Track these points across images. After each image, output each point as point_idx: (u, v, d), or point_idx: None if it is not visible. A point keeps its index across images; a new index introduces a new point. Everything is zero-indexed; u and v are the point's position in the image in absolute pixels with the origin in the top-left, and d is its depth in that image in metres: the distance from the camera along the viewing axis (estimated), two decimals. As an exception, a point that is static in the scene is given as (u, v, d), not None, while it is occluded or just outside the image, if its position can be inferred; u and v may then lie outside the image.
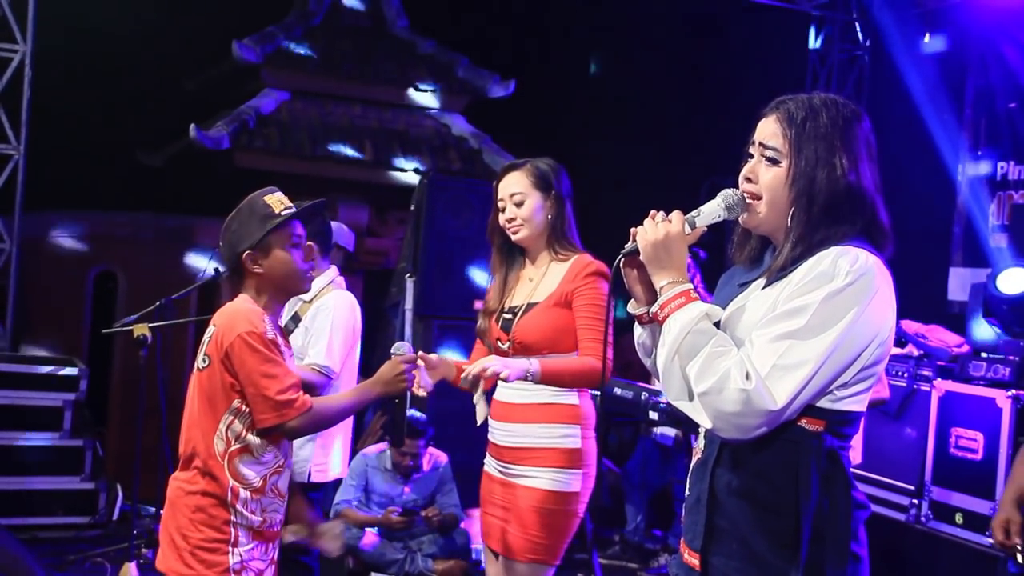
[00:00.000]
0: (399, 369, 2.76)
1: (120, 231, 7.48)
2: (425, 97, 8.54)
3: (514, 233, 3.26)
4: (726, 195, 2.10)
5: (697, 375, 1.90)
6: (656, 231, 2.03)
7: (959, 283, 7.39)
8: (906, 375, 5.75)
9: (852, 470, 2.02)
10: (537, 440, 3.15)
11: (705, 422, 1.91)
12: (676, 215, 2.07)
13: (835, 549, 1.90)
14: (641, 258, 2.06)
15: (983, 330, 5.64)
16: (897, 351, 6.07)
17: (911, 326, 6.14)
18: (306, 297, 3.98)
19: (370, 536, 5.26)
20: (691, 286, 2.01)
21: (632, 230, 2.09)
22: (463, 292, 6.04)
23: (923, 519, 5.48)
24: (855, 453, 5.30)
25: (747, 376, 1.86)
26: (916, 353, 5.98)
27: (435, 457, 5.46)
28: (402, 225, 7.59)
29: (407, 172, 7.96)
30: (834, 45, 8.98)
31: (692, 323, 1.95)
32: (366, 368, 6.00)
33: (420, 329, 6.00)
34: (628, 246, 2.10)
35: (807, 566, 1.88)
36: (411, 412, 5.65)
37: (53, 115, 7.00)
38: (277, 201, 2.75)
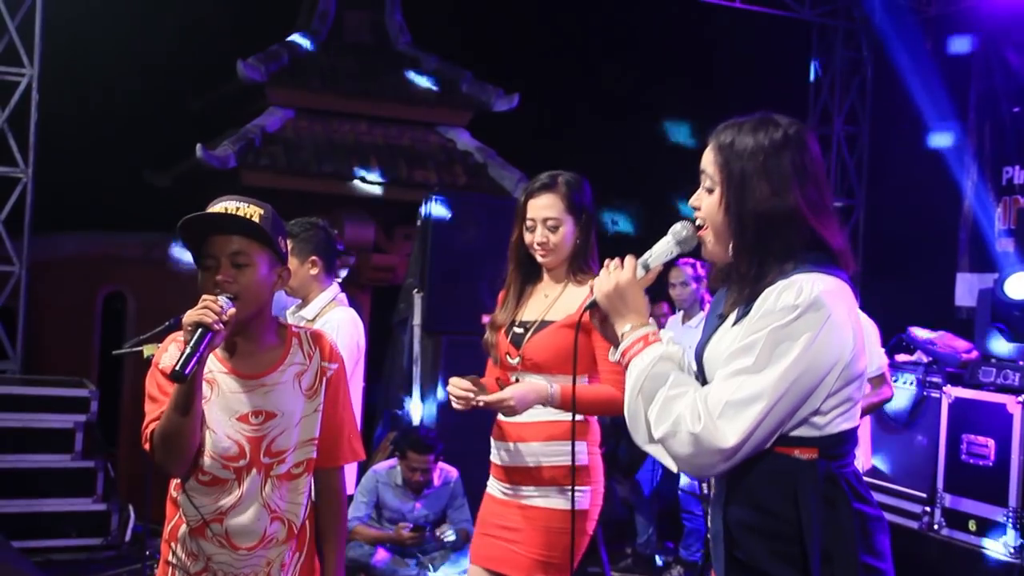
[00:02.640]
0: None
1: (128, 252, 7.51)
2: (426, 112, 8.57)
3: (543, 256, 3.21)
4: (675, 231, 2.14)
5: (655, 420, 1.94)
6: (608, 282, 2.09)
7: (966, 288, 7.38)
8: (916, 382, 5.74)
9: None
10: (545, 459, 3.10)
11: (671, 464, 1.96)
12: (628, 261, 2.11)
13: (844, 567, 1.91)
14: (602, 309, 2.12)
15: (1000, 344, 5.60)
16: (906, 358, 6.06)
17: (920, 332, 6.13)
18: (309, 315, 3.99)
19: (382, 553, 5.26)
20: (651, 329, 2.05)
21: (590, 283, 2.14)
22: (471, 307, 6.02)
23: (936, 526, 5.46)
24: (860, 459, 5.28)
25: (699, 417, 1.88)
26: (925, 360, 5.97)
27: (446, 472, 5.45)
28: (409, 241, 7.60)
29: (413, 188, 7.98)
30: (836, 52, 9.00)
31: (648, 367, 1.98)
32: (372, 384, 6.01)
33: (429, 345, 6.00)
34: (588, 299, 2.15)
35: None
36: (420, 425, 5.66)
37: (60, 138, 7.05)
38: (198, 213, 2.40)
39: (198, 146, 7.34)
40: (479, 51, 9.00)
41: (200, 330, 2.21)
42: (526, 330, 3.19)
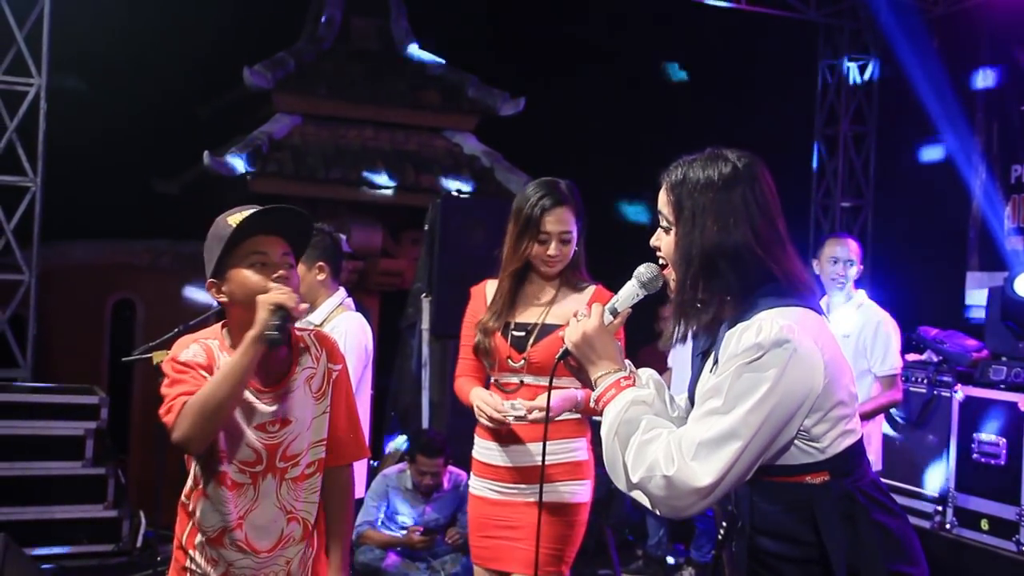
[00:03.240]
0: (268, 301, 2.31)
1: (137, 259, 7.54)
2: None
3: (550, 267, 3.24)
4: (639, 274, 2.15)
5: (631, 465, 1.95)
6: (576, 331, 2.11)
7: (976, 287, 7.36)
8: (926, 381, 5.73)
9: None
10: (549, 457, 3.13)
11: (650, 507, 1.96)
12: (595, 309, 2.13)
13: (871, 573, 1.92)
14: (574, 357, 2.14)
15: (1010, 343, 5.58)
16: (916, 357, 6.04)
17: (930, 332, 6.11)
18: (316, 320, 4.00)
19: (393, 557, 5.26)
20: (623, 374, 2.06)
21: (559, 335, 2.17)
22: (479, 310, 6.04)
23: (948, 526, 5.44)
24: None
25: (672, 460, 1.89)
26: (935, 359, 5.95)
27: (455, 476, 5.45)
28: (416, 245, 7.62)
29: (420, 193, 7.99)
30: (843, 53, 8.99)
31: (621, 412, 1.99)
32: (381, 389, 6.02)
33: (437, 348, 6.01)
34: (560, 349, 2.17)
35: None
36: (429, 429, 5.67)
37: (69, 147, 7.07)
38: (239, 218, 2.37)
39: (205, 153, 7.36)
40: (485, 56, 9.01)
41: (282, 311, 2.31)
42: (527, 333, 3.22)
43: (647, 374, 2.18)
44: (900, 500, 5.63)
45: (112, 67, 8.10)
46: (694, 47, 9.44)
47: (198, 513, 2.45)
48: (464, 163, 8.46)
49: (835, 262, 4.71)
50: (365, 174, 8.00)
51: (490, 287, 3.40)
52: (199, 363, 2.39)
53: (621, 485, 2.00)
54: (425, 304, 5.99)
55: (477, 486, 3.33)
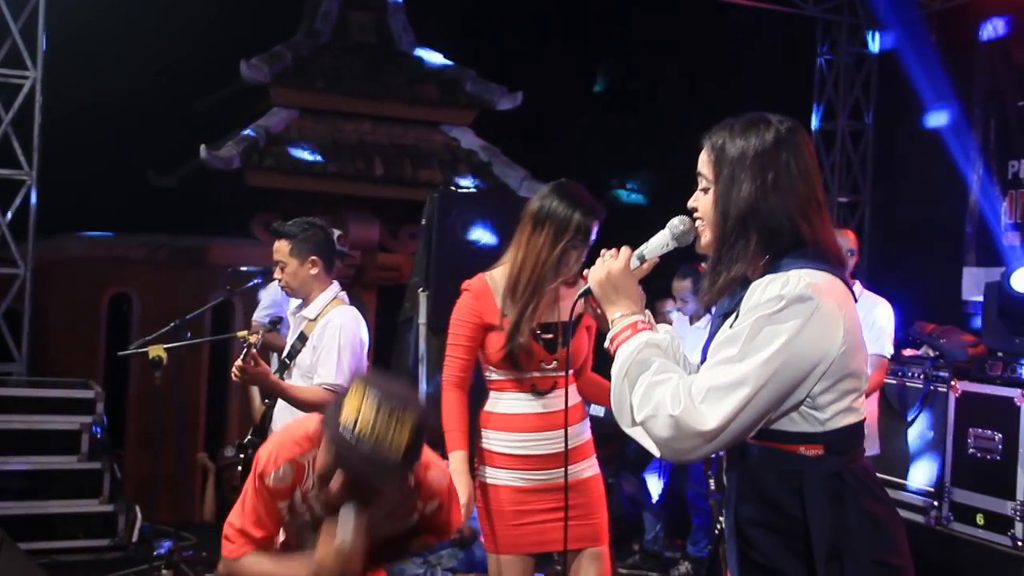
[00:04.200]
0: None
1: (134, 253, 7.51)
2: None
3: (574, 270, 3.36)
4: (672, 225, 2.16)
5: (638, 404, 1.96)
6: (601, 270, 2.13)
7: (973, 282, 7.35)
8: (922, 376, 5.73)
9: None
10: (580, 438, 3.41)
11: (653, 448, 1.96)
12: (623, 251, 2.15)
13: (854, 561, 1.91)
14: (595, 296, 2.16)
15: (1006, 338, 5.60)
16: (913, 352, 6.05)
17: (926, 327, 6.12)
18: (311, 315, 4.00)
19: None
20: (640, 317, 2.08)
21: (584, 272, 2.21)
22: (476, 305, 6.03)
23: (944, 521, 5.45)
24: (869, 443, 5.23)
25: (679, 401, 1.89)
26: (932, 354, 5.96)
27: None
28: (414, 240, 7.60)
29: (418, 187, 7.98)
30: (841, 48, 8.98)
31: (634, 353, 2.01)
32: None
33: (434, 343, 6.00)
34: (583, 287, 2.20)
35: None
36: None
37: (64, 140, 7.04)
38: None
39: (202, 147, 7.34)
40: (482, 50, 8.99)
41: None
42: (554, 335, 3.34)
43: (665, 328, 2.19)
44: (895, 494, 5.67)
45: (108, 60, 8.07)
46: (692, 41, 9.42)
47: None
48: (462, 157, 8.45)
49: None
50: (362, 168, 7.97)
51: (493, 284, 3.43)
52: (281, 489, 2.41)
53: (625, 424, 2.01)
54: (422, 298, 5.98)
55: (503, 477, 3.36)
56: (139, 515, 6.19)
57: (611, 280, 2.11)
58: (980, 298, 6.11)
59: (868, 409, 4.81)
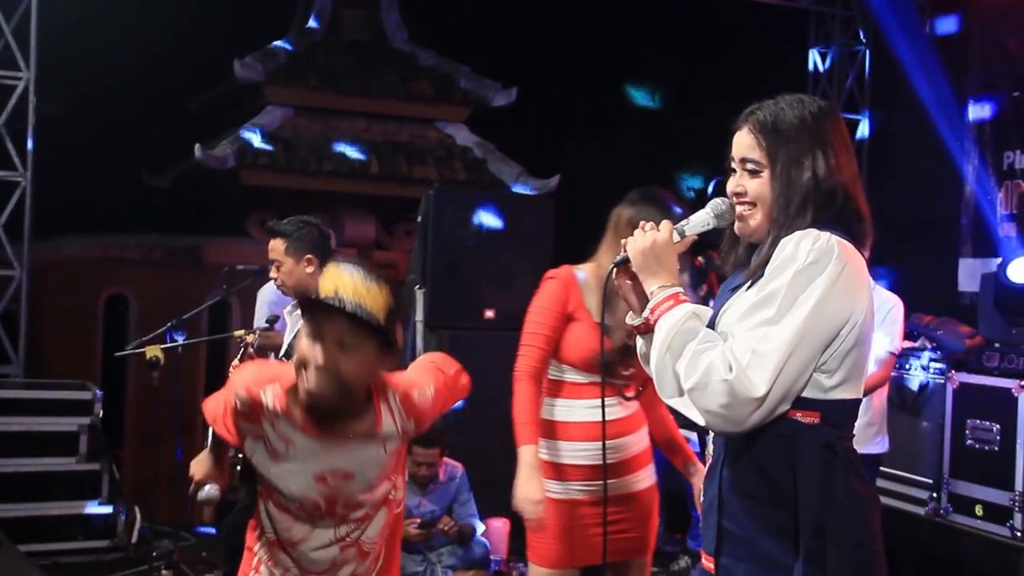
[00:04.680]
0: None
1: (129, 253, 7.50)
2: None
3: None
4: (715, 204, 2.15)
5: (685, 372, 1.93)
6: (644, 239, 2.10)
7: (969, 274, 7.36)
8: (920, 368, 5.74)
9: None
10: (641, 445, 3.40)
11: (697, 418, 1.94)
12: (665, 224, 2.14)
13: (837, 541, 1.90)
14: (632, 267, 2.12)
15: (1003, 329, 5.61)
16: (910, 344, 6.05)
17: (923, 318, 6.12)
18: (305, 312, 3.99)
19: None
20: (680, 289, 2.06)
21: (623, 241, 2.16)
22: (473, 302, 6.03)
23: (943, 512, 5.46)
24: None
25: (730, 367, 1.88)
26: (929, 346, 5.96)
27: (451, 467, 5.45)
28: (409, 237, 7.60)
29: (413, 184, 7.97)
30: (834, 40, 8.97)
31: (679, 323, 1.99)
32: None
33: (432, 340, 6.00)
34: (619, 256, 2.16)
35: (807, 558, 1.89)
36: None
37: (58, 140, 7.03)
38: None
39: (196, 146, 7.33)
40: (476, 46, 8.97)
41: None
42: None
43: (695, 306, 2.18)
44: (894, 486, 5.69)
45: (101, 60, 8.04)
46: (686, 35, 9.41)
47: (261, 518, 2.50)
48: (456, 154, 8.44)
49: None
50: (357, 166, 7.96)
51: (581, 278, 3.31)
52: (244, 412, 2.40)
53: (667, 394, 2.00)
54: (419, 295, 5.98)
55: (559, 489, 3.28)
56: (138, 516, 6.18)
57: (655, 250, 2.09)
58: (976, 289, 6.13)
59: (877, 405, 4.83)
